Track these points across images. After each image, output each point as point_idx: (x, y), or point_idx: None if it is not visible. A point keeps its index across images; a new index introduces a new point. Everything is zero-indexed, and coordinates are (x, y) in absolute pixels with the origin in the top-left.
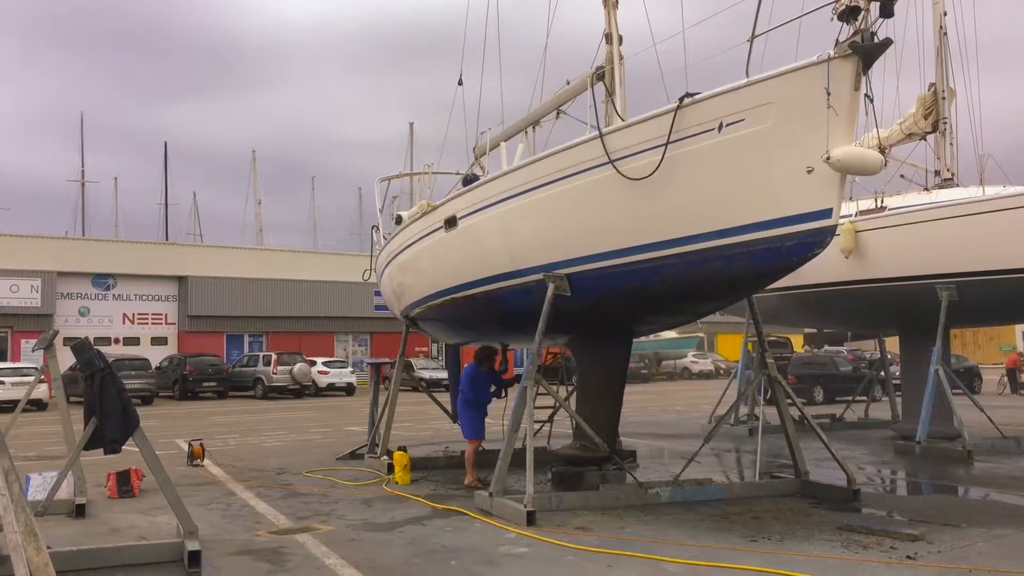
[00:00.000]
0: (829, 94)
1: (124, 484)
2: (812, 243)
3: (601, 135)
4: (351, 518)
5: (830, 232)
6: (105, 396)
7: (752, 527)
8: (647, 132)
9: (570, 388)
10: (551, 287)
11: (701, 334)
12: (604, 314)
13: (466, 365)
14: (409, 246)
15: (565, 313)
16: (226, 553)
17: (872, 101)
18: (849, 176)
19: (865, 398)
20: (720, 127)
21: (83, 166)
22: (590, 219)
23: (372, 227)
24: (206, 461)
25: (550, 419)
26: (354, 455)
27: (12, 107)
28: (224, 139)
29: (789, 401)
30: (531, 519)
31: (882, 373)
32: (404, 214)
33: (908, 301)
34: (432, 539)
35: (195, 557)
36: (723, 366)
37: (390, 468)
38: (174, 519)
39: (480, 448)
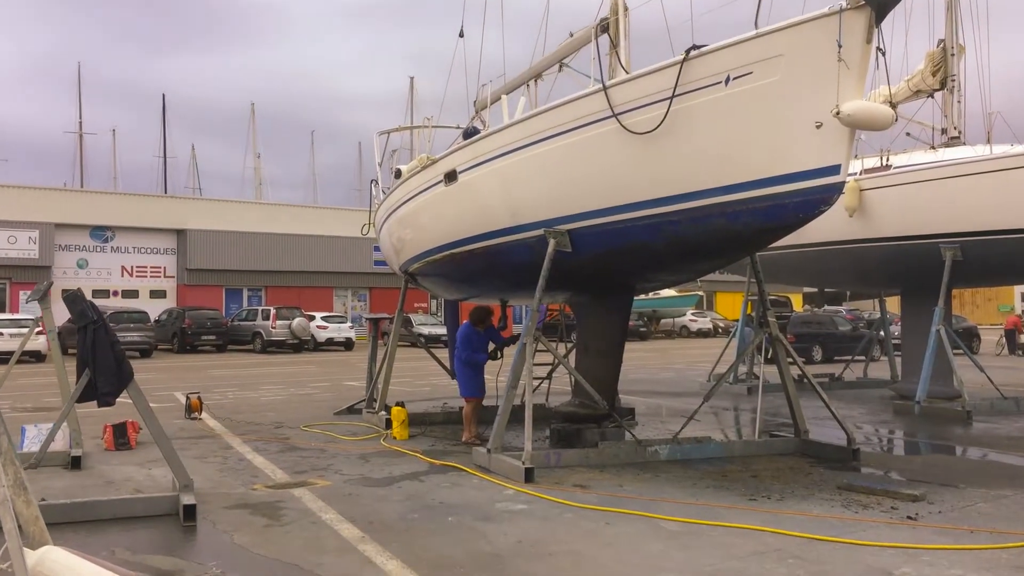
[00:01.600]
0: (840, 47)
1: (121, 436)
2: (819, 200)
3: (605, 88)
4: (348, 473)
5: (838, 189)
6: (98, 348)
7: (751, 486)
8: (652, 85)
9: (569, 345)
10: (552, 243)
11: (700, 292)
12: (605, 271)
13: (462, 323)
14: (408, 200)
15: (566, 269)
16: (222, 507)
17: (884, 55)
18: (857, 132)
19: (864, 357)
20: (727, 80)
21: (81, 118)
22: (593, 174)
23: (371, 181)
24: (204, 414)
25: (549, 376)
26: (352, 410)
27: (9, 58)
28: (223, 93)
29: (789, 360)
30: (529, 476)
31: (881, 332)
32: (403, 168)
33: (911, 261)
34: (430, 495)
35: (191, 511)
36: (722, 324)
37: (388, 423)
38: (171, 472)
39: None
